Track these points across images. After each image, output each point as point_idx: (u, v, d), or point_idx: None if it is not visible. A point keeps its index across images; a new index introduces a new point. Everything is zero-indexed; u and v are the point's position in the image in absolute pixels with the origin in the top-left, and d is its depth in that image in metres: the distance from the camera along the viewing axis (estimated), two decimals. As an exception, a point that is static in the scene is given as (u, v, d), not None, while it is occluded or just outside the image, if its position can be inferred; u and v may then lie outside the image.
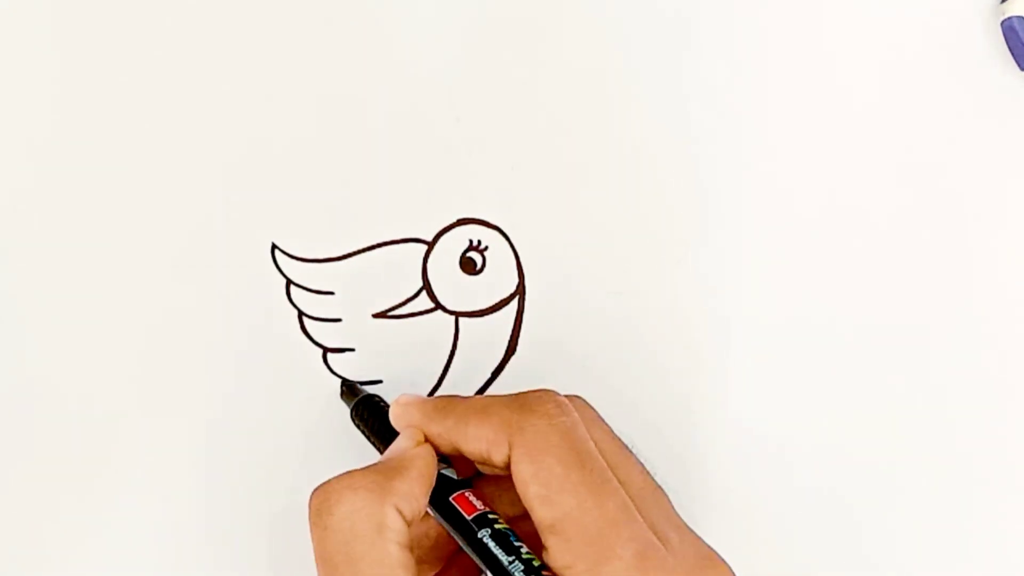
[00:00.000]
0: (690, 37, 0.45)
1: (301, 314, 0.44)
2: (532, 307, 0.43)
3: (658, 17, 0.45)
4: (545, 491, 0.34)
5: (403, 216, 0.44)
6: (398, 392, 0.43)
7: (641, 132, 0.44)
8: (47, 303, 0.44)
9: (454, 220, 0.44)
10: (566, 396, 0.37)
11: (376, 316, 0.44)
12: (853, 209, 0.44)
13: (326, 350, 0.43)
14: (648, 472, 0.37)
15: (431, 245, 0.44)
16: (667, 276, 0.44)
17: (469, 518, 0.36)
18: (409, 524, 0.35)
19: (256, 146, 0.45)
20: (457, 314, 0.44)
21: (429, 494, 0.36)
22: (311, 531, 0.35)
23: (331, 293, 0.44)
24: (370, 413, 0.41)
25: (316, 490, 0.36)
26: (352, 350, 0.43)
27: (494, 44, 0.45)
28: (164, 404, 0.43)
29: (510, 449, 0.35)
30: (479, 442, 0.36)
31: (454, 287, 0.44)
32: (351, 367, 0.43)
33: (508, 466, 0.36)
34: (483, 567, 0.35)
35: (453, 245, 0.44)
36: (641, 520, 0.34)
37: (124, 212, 0.44)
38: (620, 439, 0.37)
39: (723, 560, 0.35)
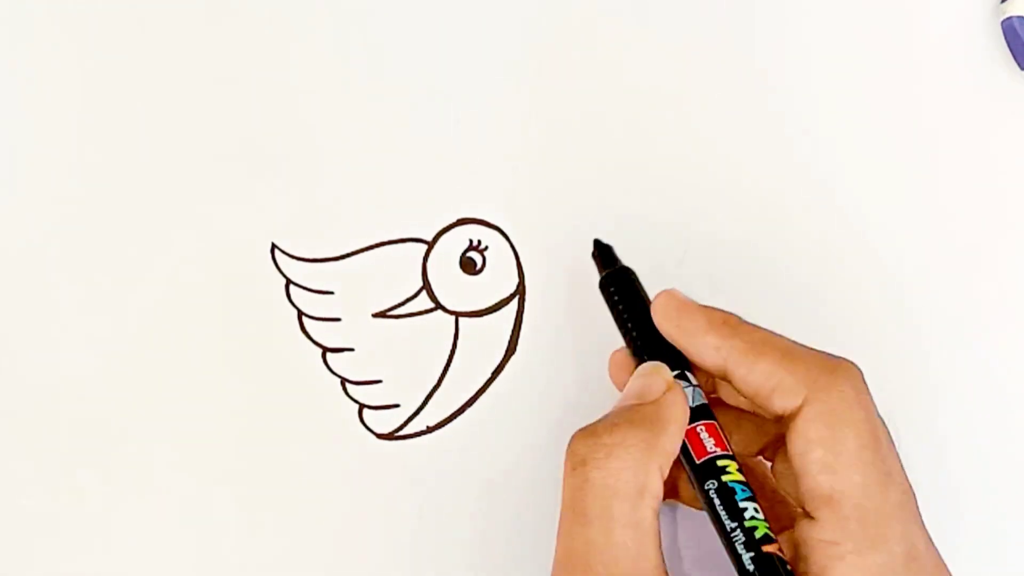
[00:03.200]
0: (690, 38, 0.45)
1: (301, 314, 0.44)
2: (532, 307, 0.43)
3: (658, 17, 0.45)
4: (833, 459, 0.33)
5: (403, 216, 0.44)
6: (398, 392, 0.43)
7: (641, 132, 0.44)
8: (47, 303, 0.44)
9: (454, 220, 0.44)
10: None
11: (376, 316, 0.44)
12: (852, 209, 0.44)
13: (326, 350, 0.43)
14: (904, 468, 0.35)
15: (431, 245, 0.44)
16: (667, 276, 0.44)
17: (698, 462, 0.35)
18: (663, 482, 0.34)
19: (256, 146, 0.45)
20: (457, 314, 0.44)
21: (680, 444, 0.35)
22: (567, 477, 0.34)
23: (331, 293, 0.44)
24: (622, 290, 0.39)
25: (582, 436, 0.34)
26: (352, 350, 0.43)
27: (494, 44, 0.45)
28: (163, 404, 0.43)
29: (804, 403, 0.34)
30: (768, 380, 0.34)
31: (454, 287, 0.44)
32: (351, 367, 0.43)
33: (785, 417, 0.34)
34: (706, 509, 0.34)
35: (453, 245, 0.44)
36: (915, 520, 0.34)
37: (124, 212, 0.44)
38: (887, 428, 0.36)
39: None
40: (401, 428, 0.43)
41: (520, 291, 0.44)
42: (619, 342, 0.42)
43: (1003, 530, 0.42)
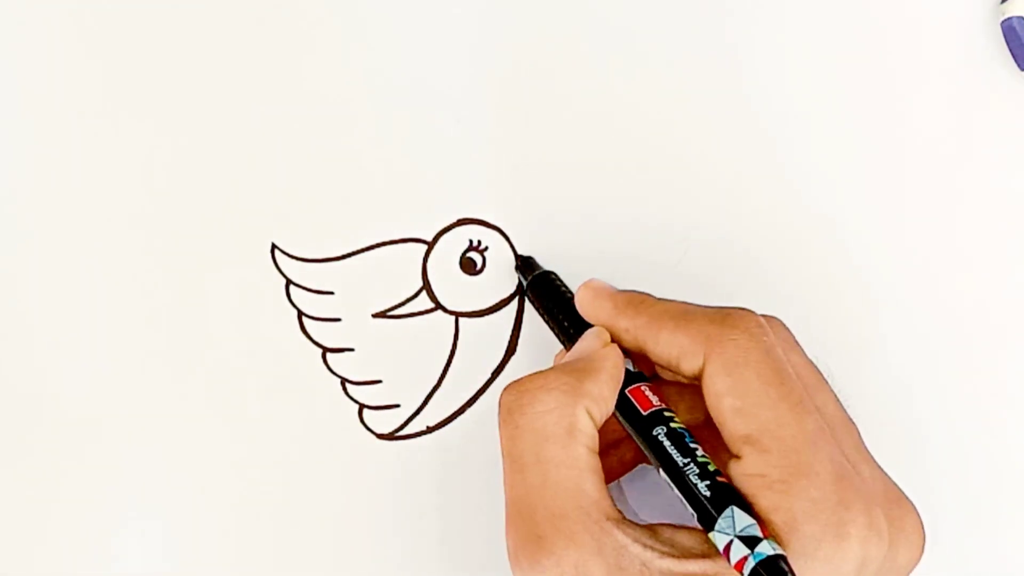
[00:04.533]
0: (690, 37, 0.45)
1: (301, 314, 0.44)
2: (532, 307, 0.43)
3: (658, 17, 0.45)
4: (741, 404, 0.34)
5: (403, 216, 0.44)
6: (398, 392, 0.43)
7: (641, 132, 0.44)
8: (47, 303, 0.44)
9: (454, 220, 0.44)
10: (764, 317, 0.36)
11: (376, 316, 0.44)
12: (852, 209, 0.44)
13: (326, 350, 0.43)
14: (841, 402, 0.36)
15: (431, 245, 0.44)
16: (667, 276, 0.44)
17: (644, 413, 0.36)
18: (597, 427, 0.35)
19: (256, 146, 0.45)
20: (457, 314, 0.44)
21: (616, 396, 0.36)
22: (500, 429, 0.35)
23: (331, 293, 0.44)
24: (546, 291, 0.41)
25: (508, 388, 0.36)
26: (352, 350, 0.43)
27: (494, 44, 0.45)
28: (163, 404, 0.43)
29: (705, 360, 0.35)
30: (671, 348, 0.36)
31: (454, 287, 0.44)
32: (351, 367, 0.43)
33: (697, 376, 0.35)
34: (657, 464, 0.35)
35: (453, 245, 0.44)
36: (844, 443, 0.34)
37: (124, 212, 0.44)
38: (815, 365, 0.37)
39: (911, 501, 0.35)
40: (401, 428, 0.43)
41: (520, 291, 0.44)
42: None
43: (999, 522, 0.43)
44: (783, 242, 0.44)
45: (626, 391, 0.36)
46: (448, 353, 0.43)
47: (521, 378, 0.36)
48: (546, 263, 0.43)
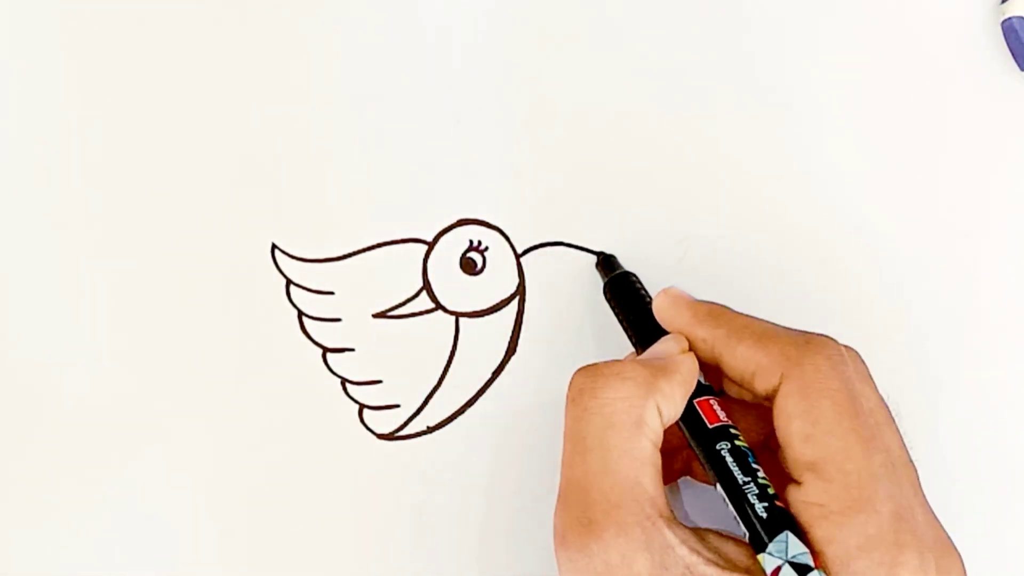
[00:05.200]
0: (690, 38, 0.45)
1: (301, 314, 0.44)
2: (532, 307, 0.43)
3: (658, 17, 0.45)
4: (811, 430, 0.34)
5: (403, 216, 0.44)
6: (398, 392, 0.43)
7: (641, 132, 0.44)
8: (47, 302, 0.44)
9: (454, 220, 0.44)
10: (844, 347, 0.36)
11: (376, 316, 0.44)
12: (852, 209, 0.44)
13: (326, 350, 0.43)
14: (905, 444, 0.36)
15: (431, 245, 0.44)
16: (667, 276, 0.44)
17: (710, 427, 0.36)
18: (664, 426, 0.35)
19: (256, 146, 0.45)
20: (457, 314, 0.44)
21: (685, 402, 0.36)
22: (568, 408, 0.35)
23: (331, 293, 0.44)
24: (624, 292, 0.41)
25: (583, 370, 0.36)
26: (352, 350, 0.43)
27: (494, 44, 0.45)
28: (163, 404, 0.43)
29: (781, 381, 0.35)
30: (748, 363, 0.36)
31: (454, 287, 0.44)
32: (351, 367, 0.43)
33: (769, 396, 0.35)
34: (713, 478, 0.35)
35: (453, 245, 0.44)
36: (906, 484, 0.34)
37: (124, 212, 0.44)
38: (886, 402, 0.36)
39: (958, 552, 0.34)
40: (401, 428, 0.43)
41: (520, 291, 0.44)
42: (618, 341, 0.42)
43: (1000, 523, 0.43)
44: (783, 243, 0.44)
45: (694, 401, 0.36)
46: (448, 353, 0.43)
47: (596, 363, 0.36)
48: (546, 262, 0.43)
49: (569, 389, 0.36)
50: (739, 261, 0.44)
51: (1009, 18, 0.44)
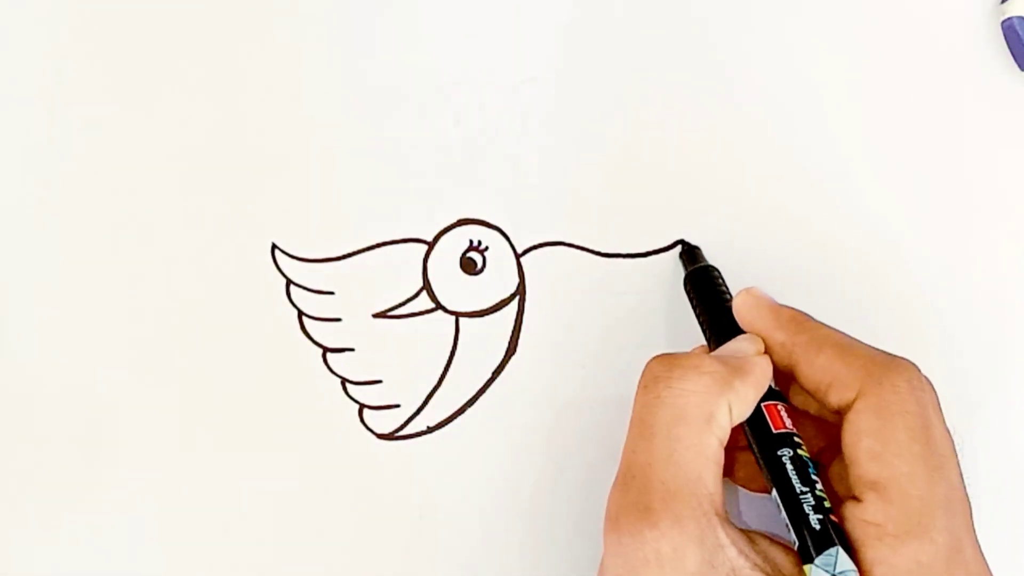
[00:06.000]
0: (690, 38, 0.45)
1: (301, 314, 0.44)
2: (532, 307, 0.43)
3: (658, 18, 0.45)
4: (881, 449, 0.34)
5: (403, 216, 0.44)
6: (398, 392, 0.43)
7: (641, 132, 0.44)
8: (47, 302, 0.44)
9: (454, 220, 0.44)
10: (924, 376, 0.36)
11: (376, 316, 0.44)
12: (852, 209, 0.44)
13: (326, 350, 0.43)
14: (963, 479, 0.36)
15: (431, 245, 0.44)
16: (667, 276, 0.44)
17: (775, 432, 0.35)
18: (732, 425, 0.35)
19: (257, 146, 0.45)
20: (457, 314, 0.44)
21: (755, 405, 0.36)
22: (639, 394, 0.35)
23: (331, 293, 0.44)
24: (705, 286, 0.41)
25: (660, 358, 0.36)
26: (352, 350, 0.43)
27: (494, 45, 0.45)
28: (163, 404, 0.43)
29: (858, 396, 0.35)
30: (825, 374, 0.36)
31: (454, 287, 0.44)
32: (351, 367, 0.43)
33: (841, 409, 0.35)
34: (770, 483, 0.35)
35: (453, 245, 0.44)
36: (963, 518, 0.34)
37: (124, 212, 0.44)
38: (951, 435, 0.36)
39: None
40: (401, 428, 0.43)
41: (520, 291, 0.44)
42: (618, 343, 0.42)
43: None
44: (782, 243, 0.44)
45: (762, 404, 0.36)
46: (448, 353, 0.43)
47: (674, 353, 0.36)
48: (546, 262, 0.43)
49: (643, 376, 0.36)
50: (739, 260, 0.44)
51: (1009, 18, 0.44)
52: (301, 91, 0.45)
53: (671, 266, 0.44)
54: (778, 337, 0.37)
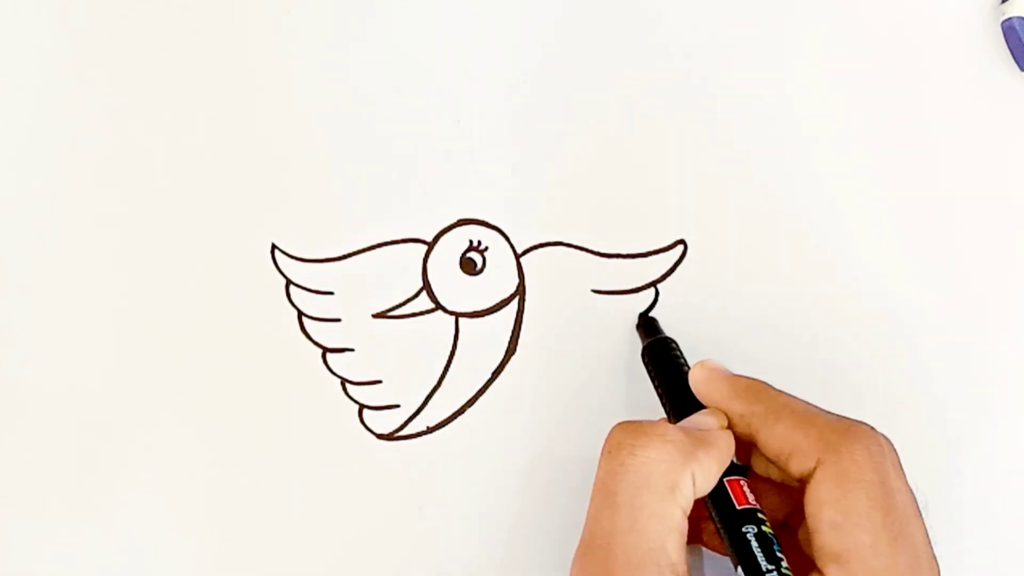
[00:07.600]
0: (691, 38, 0.45)
1: (300, 314, 0.44)
2: (532, 307, 0.43)
3: (658, 18, 0.45)
4: (842, 520, 0.34)
5: (403, 216, 0.44)
6: (398, 392, 0.43)
7: (641, 132, 0.44)
8: (47, 303, 0.44)
9: (454, 220, 0.44)
10: (882, 436, 0.36)
11: (376, 316, 0.44)
12: (852, 208, 0.44)
13: (325, 350, 0.43)
14: (930, 539, 0.35)
15: (431, 245, 0.44)
16: (668, 278, 0.44)
17: (738, 508, 0.35)
18: (695, 496, 0.35)
19: (256, 146, 0.45)
20: (457, 314, 0.44)
21: (718, 478, 0.36)
22: (602, 461, 0.35)
23: (331, 293, 0.44)
24: (662, 359, 0.40)
25: (624, 425, 0.35)
26: (352, 350, 0.43)
27: (494, 45, 0.45)
28: (163, 404, 0.43)
29: (817, 466, 0.35)
30: (785, 443, 0.35)
31: (454, 287, 0.44)
32: (351, 367, 0.43)
33: (802, 478, 0.35)
34: (735, 560, 0.35)
35: (453, 245, 0.44)
36: None
37: (124, 212, 0.44)
38: (915, 495, 0.36)
39: None
40: (401, 428, 0.43)
41: (520, 291, 0.44)
42: (618, 341, 0.42)
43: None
44: (782, 243, 0.44)
45: (725, 480, 0.36)
46: (448, 353, 0.43)
47: (639, 420, 0.36)
48: (546, 262, 0.43)
49: (607, 442, 0.35)
50: (738, 259, 0.44)
51: (1009, 18, 0.44)
52: (301, 91, 0.45)
53: (671, 267, 0.44)
54: (736, 408, 0.37)
